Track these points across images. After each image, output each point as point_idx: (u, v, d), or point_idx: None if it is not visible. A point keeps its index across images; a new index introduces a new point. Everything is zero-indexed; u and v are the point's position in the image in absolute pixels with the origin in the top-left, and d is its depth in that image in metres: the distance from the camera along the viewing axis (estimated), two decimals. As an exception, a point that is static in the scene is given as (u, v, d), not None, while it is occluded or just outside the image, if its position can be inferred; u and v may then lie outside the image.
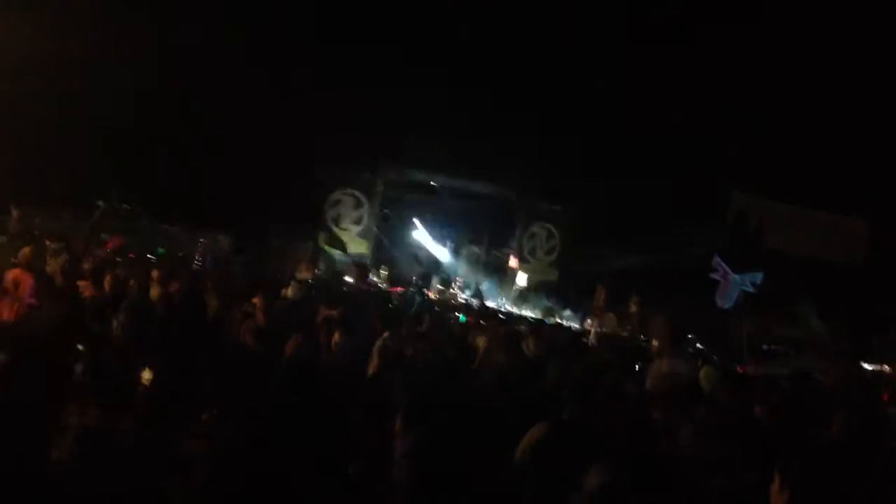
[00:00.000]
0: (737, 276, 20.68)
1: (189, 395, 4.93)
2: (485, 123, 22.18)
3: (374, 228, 24.94)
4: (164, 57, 19.96)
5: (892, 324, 17.36)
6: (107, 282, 7.32)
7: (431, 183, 25.11)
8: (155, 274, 8.24)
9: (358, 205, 24.64)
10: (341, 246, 24.35)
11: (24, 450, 2.66)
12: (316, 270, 20.48)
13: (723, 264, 20.72)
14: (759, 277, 20.45)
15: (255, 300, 7.24)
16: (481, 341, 7.29)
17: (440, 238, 26.83)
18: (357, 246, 24.60)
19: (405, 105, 22.27)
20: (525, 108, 22.84)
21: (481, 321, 10.08)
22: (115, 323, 5.61)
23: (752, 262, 21.04)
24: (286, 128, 21.65)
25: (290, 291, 9.11)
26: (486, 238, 26.82)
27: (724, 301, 20.71)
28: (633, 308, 19.76)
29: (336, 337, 5.59)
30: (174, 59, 20.30)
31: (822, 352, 15.23)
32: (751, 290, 20.14)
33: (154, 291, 7.51)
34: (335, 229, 24.47)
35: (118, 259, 11.51)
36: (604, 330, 17.84)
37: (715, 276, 20.81)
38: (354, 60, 22.11)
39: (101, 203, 19.28)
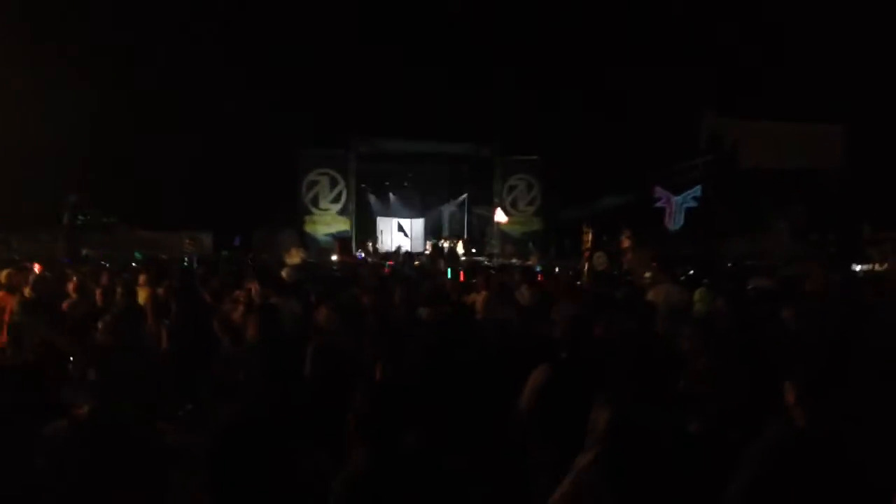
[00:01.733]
0: (678, 198, 21.80)
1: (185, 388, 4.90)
2: (449, 83, 22.06)
3: (353, 204, 24.91)
4: (128, 62, 19.79)
5: (877, 223, 17.49)
6: (98, 293, 7.28)
7: (402, 148, 25.03)
8: (142, 278, 8.19)
9: (334, 183, 24.55)
10: (323, 226, 24.35)
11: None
12: (302, 253, 20.47)
13: (663, 191, 22.31)
14: (697, 191, 21.60)
15: (251, 287, 7.26)
16: (476, 297, 7.30)
17: (420, 204, 26.89)
18: (339, 224, 24.57)
19: (367, 77, 22.14)
20: (487, 62, 22.68)
21: (473, 278, 10.05)
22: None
23: (688, 180, 22.21)
24: (252, 115, 21.44)
25: (284, 275, 9.09)
26: (467, 196, 26.90)
27: (673, 223, 21.69)
28: (626, 243, 19.84)
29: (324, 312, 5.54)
30: (141, 64, 20.14)
31: (810, 260, 15.32)
32: (695, 204, 21.34)
33: (142, 294, 7.48)
34: (315, 210, 24.41)
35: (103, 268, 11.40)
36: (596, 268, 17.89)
37: (659, 203, 21.98)
38: (313, 39, 21.85)
39: (75, 218, 19.12)
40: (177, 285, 7.55)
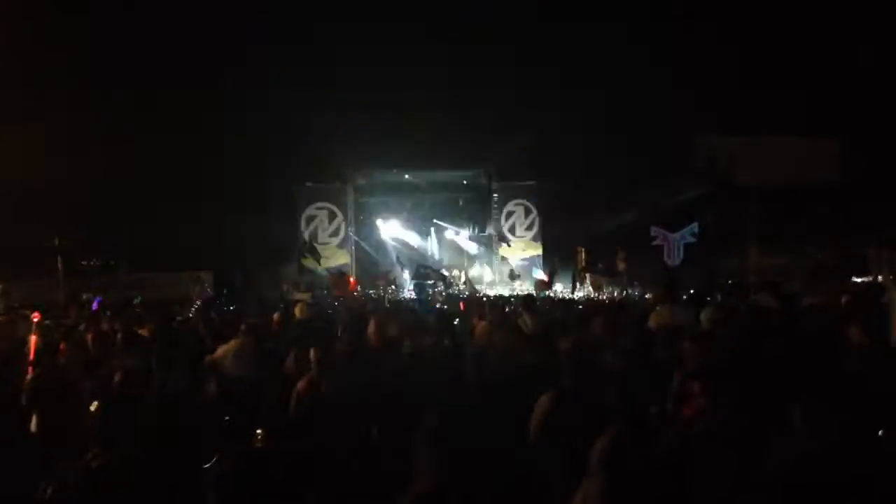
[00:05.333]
0: (675, 235, 22.06)
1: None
2: (443, 112, 22.14)
3: (352, 237, 24.94)
4: (116, 105, 19.89)
5: (877, 235, 17.49)
6: (90, 339, 7.22)
7: (405, 178, 25.12)
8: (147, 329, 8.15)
9: (333, 217, 24.60)
10: (323, 260, 24.33)
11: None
12: (308, 289, 20.52)
13: (660, 230, 22.48)
14: (695, 227, 21.93)
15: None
16: (479, 326, 7.27)
17: (421, 233, 26.87)
18: (339, 257, 24.57)
19: (363, 109, 22.25)
20: (481, 91, 22.85)
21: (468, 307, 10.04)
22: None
23: (683, 218, 22.56)
24: (249, 152, 21.54)
25: (298, 312, 9.13)
26: (466, 225, 26.90)
27: (673, 259, 21.93)
28: (621, 265, 19.90)
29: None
30: (140, 105, 20.27)
31: (813, 275, 15.32)
32: (693, 240, 21.63)
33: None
34: (315, 245, 24.42)
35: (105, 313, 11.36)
36: (590, 290, 17.95)
37: (656, 241, 22.26)
38: (308, 73, 22.03)
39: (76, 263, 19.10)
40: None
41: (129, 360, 5.73)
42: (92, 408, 3.21)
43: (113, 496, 2.66)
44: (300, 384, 5.25)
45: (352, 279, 22.43)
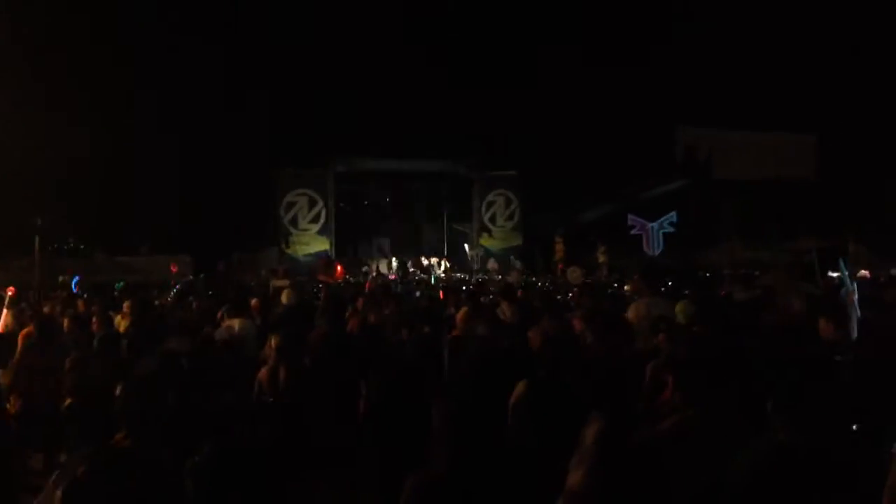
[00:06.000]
0: (654, 224, 22.21)
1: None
2: (426, 101, 22.12)
3: (333, 224, 24.87)
4: (94, 91, 19.65)
5: (851, 231, 17.72)
6: (66, 323, 7.18)
7: (386, 166, 25.05)
8: (125, 306, 8.09)
9: (313, 203, 24.50)
10: (303, 246, 24.29)
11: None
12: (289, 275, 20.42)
13: (637, 219, 22.56)
14: (673, 216, 22.05)
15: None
16: (458, 315, 7.30)
17: (402, 221, 26.88)
18: (318, 244, 24.51)
19: (344, 96, 22.19)
20: (465, 80, 22.81)
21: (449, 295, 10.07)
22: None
23: (662, 207, 22.61)
24: (230, 137, 21.40)
25: (284, 298, 9.11)
26: (445, 214, 26.93)
27: (652, 248, 22.08)
28: (602, 258, 20.02)
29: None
30: (105, 91, 20.00)
31: (786, 270, 15.50)
32: (671, 230, 21.78)
33: (123, 323, 7.43)
34: (294, 231, 24.35)
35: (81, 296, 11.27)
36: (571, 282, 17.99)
37: (634, 231, 22.38)
38: (290, 59, 21.88)
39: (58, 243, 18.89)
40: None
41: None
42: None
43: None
44: (261, 372, 5.26)
45: (339, 266, 22.38)
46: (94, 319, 7.09)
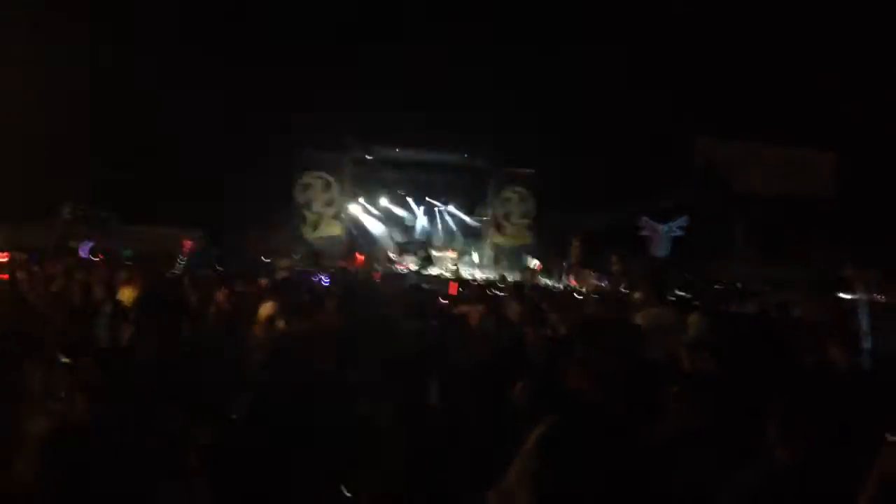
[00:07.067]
0: (664, 227, 22.02)
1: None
2: (448, 93, 22.04)
3: (348, 209, 24.86)
4: (118, 58, 19.65)
5: (866, 252, 17.58)
6: (75, 289, 7.16)
7: (398, 155, 24.99)
8: (125, 275, 8.07)
9: (327, 187, 24.50)
10: (314, 229, 24.28)
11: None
12: (294, 256, 20.44)
13: (649, 221, 22.70)
14: (684, 221, 21.87)
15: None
16: (468, 312, 7.29)
17: (413, 211, 26.81)
18: (331, 228, 24.50)
19: (365, 82, 22.12)
20: (488, 74, 22.68)
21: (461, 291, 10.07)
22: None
23: (674, 211, 22.63)
24: (250, 114, 21.41)
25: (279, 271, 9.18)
26: (460, 207, 26.84)
27: (659, 251, 21.91)
28: (616, 266, 19.95)
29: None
30: (128, 60, 19.99)
31: (799, 287, 15.40)
32: (681, 234, 21.61)
33: (128, 293, 7.40)
34: (307, 213, 24.35)
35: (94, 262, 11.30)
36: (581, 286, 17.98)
37: (644, 233, 22.21)
38: (312, 38, 21.85)
39: (67, 210, 18.91)
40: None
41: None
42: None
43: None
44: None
45: (360, 255, 22.37)
46: (94, 288, 7.07)
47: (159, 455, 2.82)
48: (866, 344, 5.15)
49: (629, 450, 2.74)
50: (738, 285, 16.92)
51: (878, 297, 12.68)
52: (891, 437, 2.29)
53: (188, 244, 17.24)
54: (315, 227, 24.33)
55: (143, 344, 3.93)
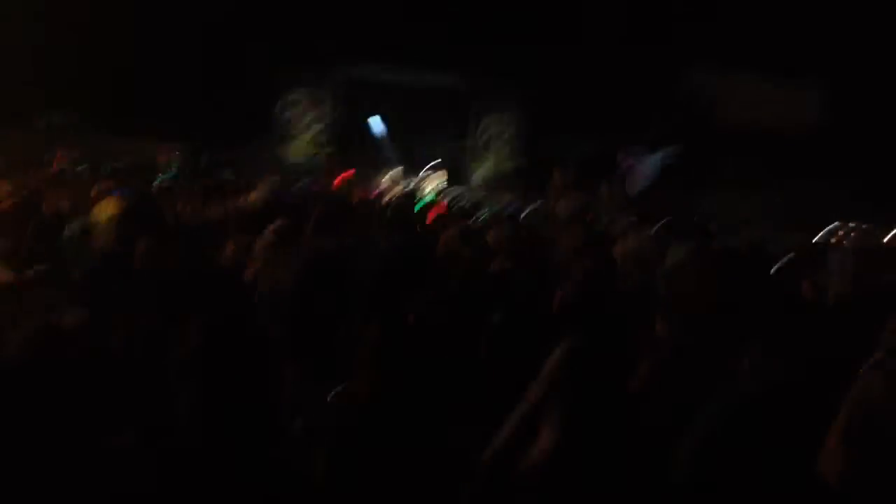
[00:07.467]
0: (654, 157, 21.63)
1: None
2: (433, 14, 21.62)
3: (332, 129, 24.53)
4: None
5: (847, 187, 17.74)
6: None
7: (385, 75, 24.53)
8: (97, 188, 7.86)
9: (312, 106, 24.12)
10: (295, 150, 24.00)
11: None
12: (273, 178, 20.16)
13: (632, 149, 21.67)
14: (679, 148, 21.51)
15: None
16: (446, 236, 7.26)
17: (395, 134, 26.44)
18: (311, 148, 24.23)
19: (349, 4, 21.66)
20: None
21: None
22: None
23: (661, 140, 21.78)
24: (234, 30, 20.95)
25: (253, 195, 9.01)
26: (441, 132, 26.51)
27: (642, 181, 21.53)
28: (604, 193, 19.90)
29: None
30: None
31: (777, 223, 15.56)
32: (673, 161, 21.28)
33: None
34: (289, 134, 24.04)
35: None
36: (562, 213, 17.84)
37: (625, 164, 21.82)
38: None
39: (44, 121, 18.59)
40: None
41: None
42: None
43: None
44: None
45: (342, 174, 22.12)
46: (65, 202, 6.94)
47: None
48: (839, 279, 5.21)
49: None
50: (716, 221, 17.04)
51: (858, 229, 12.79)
52: (872, 360, 2.35)
53: (161, 158, 16.95)
54: (296, 147, 24.02)
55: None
